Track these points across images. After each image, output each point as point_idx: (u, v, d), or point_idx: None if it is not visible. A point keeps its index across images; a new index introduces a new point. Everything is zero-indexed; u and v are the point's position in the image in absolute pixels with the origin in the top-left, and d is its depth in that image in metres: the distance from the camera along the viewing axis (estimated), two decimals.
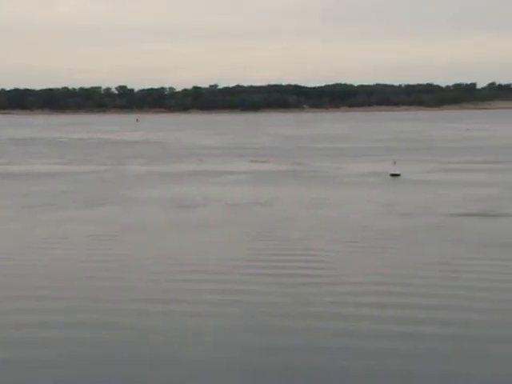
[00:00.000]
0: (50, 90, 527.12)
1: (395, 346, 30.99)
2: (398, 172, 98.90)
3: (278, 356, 29.73)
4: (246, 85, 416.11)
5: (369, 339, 31.58)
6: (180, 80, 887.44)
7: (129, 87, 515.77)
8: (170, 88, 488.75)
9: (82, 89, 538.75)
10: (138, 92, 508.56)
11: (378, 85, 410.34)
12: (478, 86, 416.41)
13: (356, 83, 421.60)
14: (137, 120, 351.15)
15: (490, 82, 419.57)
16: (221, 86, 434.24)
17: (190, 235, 58.80)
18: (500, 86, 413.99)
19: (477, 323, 34.61)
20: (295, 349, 30.33)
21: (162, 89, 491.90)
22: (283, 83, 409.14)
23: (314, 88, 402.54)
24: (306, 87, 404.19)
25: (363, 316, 34.90)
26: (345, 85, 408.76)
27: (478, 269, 45.51)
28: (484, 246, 52.63)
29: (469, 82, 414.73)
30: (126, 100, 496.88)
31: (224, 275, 43.78)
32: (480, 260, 48.12)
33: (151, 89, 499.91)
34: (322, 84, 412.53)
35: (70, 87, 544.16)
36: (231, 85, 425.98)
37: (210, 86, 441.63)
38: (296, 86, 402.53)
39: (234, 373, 28.04)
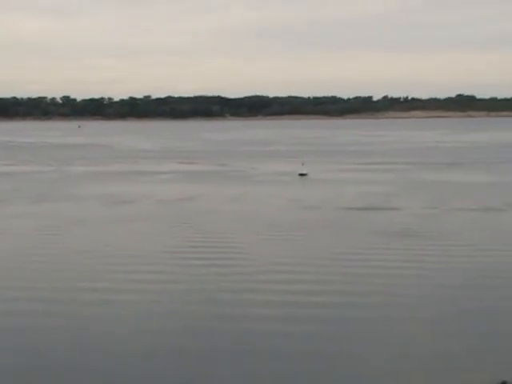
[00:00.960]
0: (0, 99, 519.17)
1: (297, 327, 31.59)
2: (305, 172, 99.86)
3: (195, 338, 30.34)
4: (175, 96, 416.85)
5: (274, 322, 32.31)
6: (118, 91, 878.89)
7: (72, 97, 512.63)
8: (109, 98, 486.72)
9: (29, 98, 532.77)
10: (80, 101, 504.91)
11: (289, 97, 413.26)
12: (374, 99, 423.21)
13: (271, 95, 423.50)
14: (79, 126, 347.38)
15: (384, 95, 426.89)
16: (154, 96, 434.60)
17: (123, 227, 59.60)
18: (392, 98, 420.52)
19: (363, 305, 35.49)
20: (210, 331, 30.91)
21: (102, 99, 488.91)
22: (208, 94, 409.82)
23: (234, 99, 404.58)
24: (227, 98, 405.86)
25: (270, 301, 35.58)
26: (261, 96, 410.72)
27: (368, 253, 47.23)
28: (372, 233, 54.21)
29: (366, 95, 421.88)
30: (70, 109, 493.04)
31: (151, 265, 44.32)
32: (369, 245, 49.80)
33: (92, 99, 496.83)
34: (242, 96, 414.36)
35: (18, 97, 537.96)
36: (163, 96, 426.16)
37: (145, 97, 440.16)
38: (219, 97, 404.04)
39: (157, 353, 28.50)
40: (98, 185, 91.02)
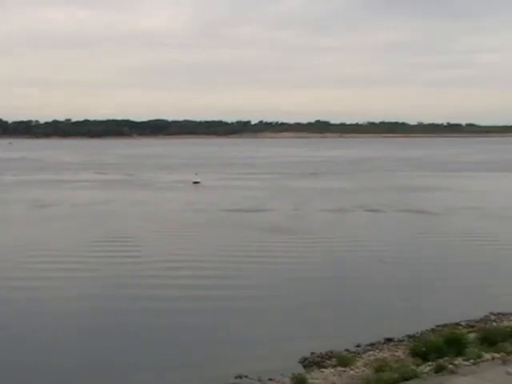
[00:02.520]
0: None
1: (191, 306, 31.90)
2: (198, 180, 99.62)
3: (111, 317, 30.10)
4: (92, 119, 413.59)
5: (173, 301, 32.38)
6: (44, 115, 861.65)
7: (4, 120, 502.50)
8: (36, 121, 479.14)
9: None
10: (11, 123, 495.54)
11: (185, 120, 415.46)
12: (252, 123, 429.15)
13: (170, 119, 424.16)
14: (10, 143, 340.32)
15: (260, 119, 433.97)
16: (74, 119, 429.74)
17: (43, 226, 58.63)
18: (266, 122, 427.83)
19: (238, 287, 35.83)
20: (120, 311, 30.80)
21: (30, 121, 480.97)
22: (119, 118, 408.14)
23: (140, 122, 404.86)
24: (135, 121, 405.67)
25: (170, 285, 35.62)
26: (162, 120, 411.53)
27: (246, 245, 47.82)
28: (250, 230, 54.79)
29: (246, 120, 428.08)
30: (1, 129, 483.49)
31: (67, 257, 43.41)
32: (247, 239, 50.42)
33: (21, 121, 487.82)
34: (147, 119, 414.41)
35: None
36: (81, 119, 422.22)
37: (66, 120, 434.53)
38: (128, 120, 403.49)
39: (81, 332, 28.00)
40: (25, 191, 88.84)
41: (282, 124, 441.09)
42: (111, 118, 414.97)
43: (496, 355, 21.01)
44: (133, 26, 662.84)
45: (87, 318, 30.09)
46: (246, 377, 22.53)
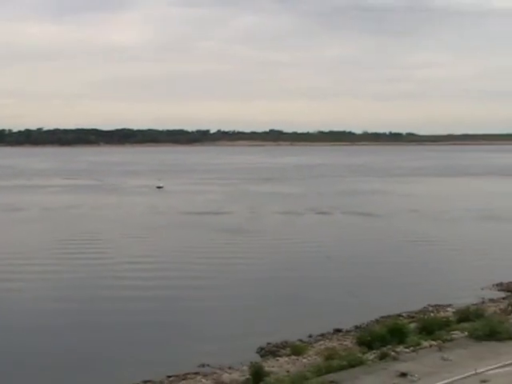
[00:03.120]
0: None
1: (156, 304, 31.94)
2: (161, 185, 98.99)
3: (72, 315, 29.65)
4: (61, 128, 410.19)
5: (137, 300, 32.19)
6: (17, 124, 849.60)
7: None
8: (9, 130, 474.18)
9: None
10: None
11: (149, 129, 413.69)
12: (211, 132, 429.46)
13: (135, 128, 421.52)
14: None
15: (218, 129, 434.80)
16: (45, 129, 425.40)
17: (14, 228, 58.03)
18: (224, 131, 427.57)
19: (200, 285, 36.29)
20: (87, 310, 30.40)
21: (3, 130, 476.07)
22: (87, 127, 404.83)
23: (107, 131, 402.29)
24: (102, 130, 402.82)
25: (133, 285, 35.38)
26: (128, 129, 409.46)
27: (207, 245, 47.61)
28: (210, 231, 54.61)
29: (206, 129, 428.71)
30: None
31: (36, 259, 43.00)
32: (207, 239, 50.22)
33: None
34: (113, 128, 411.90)
35: None
36: (52, 128, 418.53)
37: (38, 129, 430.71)
38: (96, 130, 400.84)
39: (40, 329, 27.64)
40: None
41: (239, 133, 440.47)
42: (80, 127, 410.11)
43: (433, 343, 21.42)
44: (101, 42, 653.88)
45: (50, 316, 29.83)
46: (208, 365, 22.75)
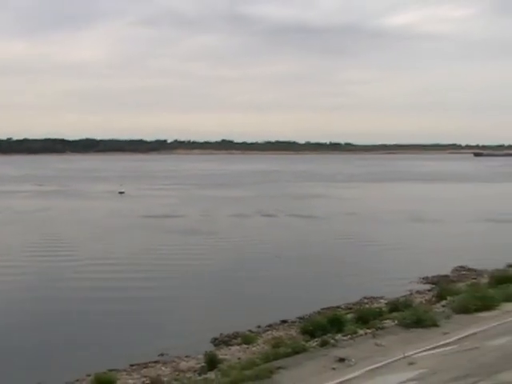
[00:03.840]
0: None
1: (116, 299, 31.78)
2: (123, 190, 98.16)
3: (39, 312, 29.24)
4: (30, 138, 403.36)
5: (99, 298, 31.88)
6: None
7: None
8: None
9: None
10: None
11: (111, 139, 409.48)
12: (168, 141, 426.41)
13: (98, 137, 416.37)
14: None
15: (175, 138, 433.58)
16: (14, 138, 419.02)
17: None
18: (180, 141, 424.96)
19: (162, 282, 36.44)
20: (51, 308, 29.92)
21: None
22: (54, 137, 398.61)
23: (73, 140, 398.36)
24: (68, 140, 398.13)
25: (96, 283, 34.79)
26: (92, 139, 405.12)
27: (164, 245, 47.22)
28: (168, 232, 54.51)
29: (163, 139, 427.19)
30: None
31: (8, 261, 41.88)
32: (164, 240, 50.00)
33: None
34: (78, 138, 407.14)
35: None
36: (21, 138, 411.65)
37: (7, 139, 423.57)
38: (62, 139, 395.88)
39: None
40: None
41: (194, 142, 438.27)
42: (48, 136, 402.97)
43: (368, 331, 21.72)
44: (66, 57, 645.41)
45: (13, 313, 29.35)
46: (167, 355, 22.80)
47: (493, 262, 37.18)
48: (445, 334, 19.47)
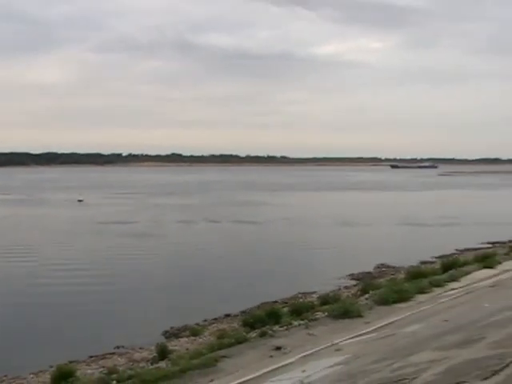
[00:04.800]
0: None
1: (72, 298, 31.84)
2: (82, 198, 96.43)
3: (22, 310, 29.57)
4: None
5: (57, 295, 31.81)
6: None
7: None
8: None
9: None
10: None
11: (72, 153, 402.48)
12: (123, 154, 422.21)
13: (60, 151, 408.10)
14: None
15: (129, 152, 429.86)
16: None
17: None
18: (134, 154, 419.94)
19: (115, 281, 36.12)
20: (11, 304, 29.54)
21: None
22: (19, 151, 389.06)
23: (36, 154, 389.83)
24: (32, 153, 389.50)
25: (53, 282, 34.62)
26: (54, 153, 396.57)
27: (117, 248, 46.74)
28: (121, 236, 53.77)
29: (119, 152, 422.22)
30: None
31: None
32: (117, 244, 49.34)
33: None
34: (41, 152, 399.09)
35: None
36: None
37: None
38: (26, 153, 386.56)
39: None
40: None
41: (146, 156, 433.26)
42: (13, 150, 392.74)
43: (301, 322, 21.97)
44: (30, 78, 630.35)
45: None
46: (122, 347, 22.64)
47: (408, 259, 38.29)
48: (367, 323, 19.89)
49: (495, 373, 4.92)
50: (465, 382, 4.85)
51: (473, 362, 5.93)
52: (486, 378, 4.75)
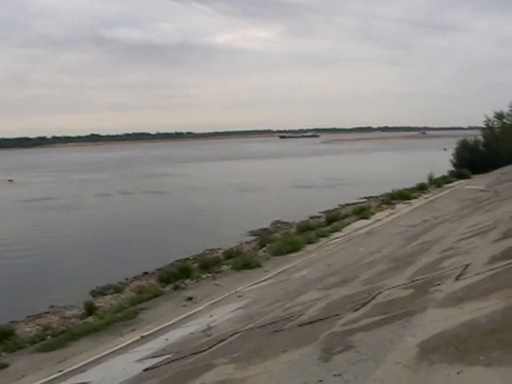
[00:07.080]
0: None
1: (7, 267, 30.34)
2: (12, 178, 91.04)
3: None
4: None
5: (2, 259, 30.69)
6: None
7: None
8: None
9: None
10: None
11: (0, 138, 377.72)
12: (47, 137, 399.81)
13: (32, 136, 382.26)
14: None
15: (52, 135, 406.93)
16: None
17: None
18: (57, 137, 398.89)
19: (45, 250, 34.71)
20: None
21: None
22: None
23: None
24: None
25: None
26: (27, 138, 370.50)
27: (43, 221, 44.84)
28: (48, 210, 51.40)
29: (43, 136, 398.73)
30: None
31: None
32: (43, 217, 47.28)
33: None
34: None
35: None
36: None
37: None
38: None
39: None
40: None
41: (68, 137, 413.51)
42: None
43: (209, 275, 22.21)
44: None
45: None
46: (55, 306, 22.15)
47: (299, 216, 39.14)
48: (265, 271, 20.30)
49: (364, 305, 5.13)
50: (340, 313, 5.01)
51: (348, 297, 6.15)
52: (356, 310, 4.94)
